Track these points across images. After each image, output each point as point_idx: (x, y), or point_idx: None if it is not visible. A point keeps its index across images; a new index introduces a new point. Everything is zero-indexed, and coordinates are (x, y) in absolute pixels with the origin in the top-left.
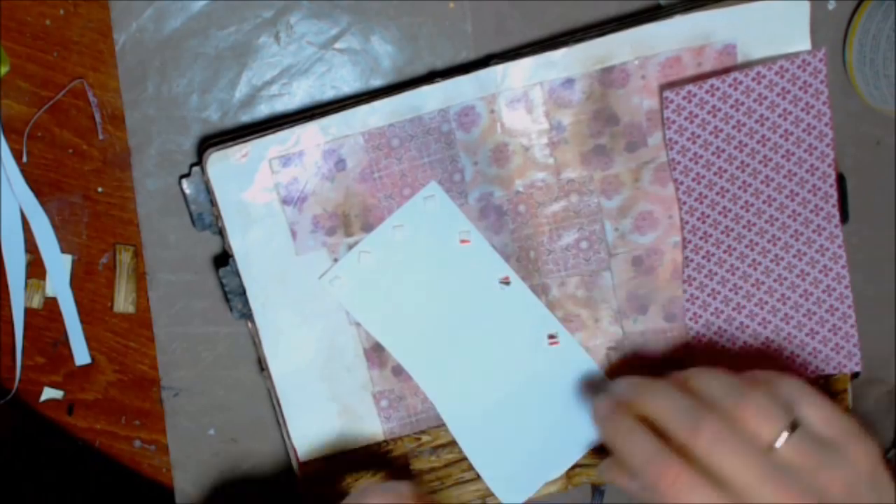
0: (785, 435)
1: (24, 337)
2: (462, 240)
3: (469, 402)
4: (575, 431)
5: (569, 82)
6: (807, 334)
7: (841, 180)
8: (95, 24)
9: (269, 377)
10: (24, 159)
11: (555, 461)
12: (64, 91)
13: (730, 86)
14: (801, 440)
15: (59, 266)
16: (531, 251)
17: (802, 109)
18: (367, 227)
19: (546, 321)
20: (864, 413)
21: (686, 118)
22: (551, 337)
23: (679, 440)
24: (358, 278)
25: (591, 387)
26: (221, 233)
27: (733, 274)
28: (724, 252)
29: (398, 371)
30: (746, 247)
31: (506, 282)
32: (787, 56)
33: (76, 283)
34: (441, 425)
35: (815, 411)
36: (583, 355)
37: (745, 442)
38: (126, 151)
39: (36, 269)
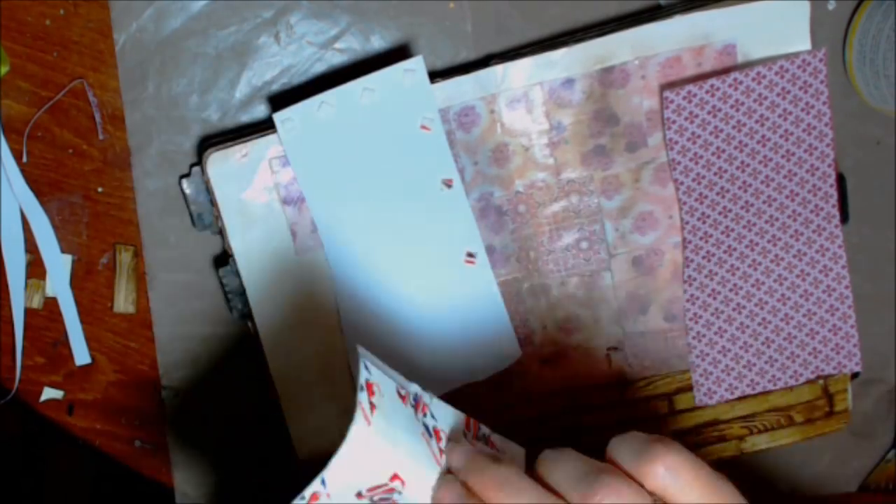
0: None
1: (25, 337)
2: (423, 125)
3: (369, 291)
4: (457, 361)
5: (569, 82)
6: (807, 334)
7: (841, 180)
8: (95, 24)
9: (269, 377)
10: (24, 159)
11: (432, 385)
12: (64, 91)
13: (730, 86)
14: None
15: (59, 266)
16: (531, 251)
17: (802, 109)
18: None
19: (471, 238)
20: (864, 413)
21: (686, 118)
22: (470, 255)
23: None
24: (310, 126)
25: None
26: (221, 233)
27: (733, 274)
28: (725, 252)
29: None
30: (746, 247)
31: (448, 184)
32: (787, 56)
33: (76, 283)
34: None
35: (691, 491)
36: (492, 285)
37: None
38: (126, 151)
39: (36, 269)
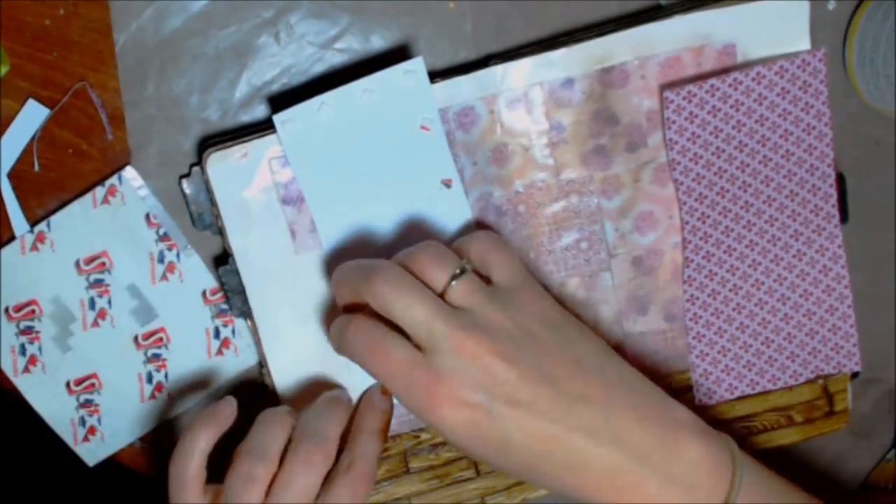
0: (455, 281)
1: None
2: (423, 125)
3: None
4: None
5: (568, 82)
6: (806, 334)
7: (840, 180)
8: (95, 24)
9: (269, 376)
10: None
11: None
12: (69, 94)
13: (730, 86)
14: (469, 283)
15: None
16: (531, 251)
17: (802, 109)
18: None
19: None
20: (864, 413)
21: (686, 118)
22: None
23: (360, 297)
24: (310, 127)
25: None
26: (221, 232)
27: (733, 274)
28: (724, 252)
29: None
30: (746, 247)
31: (448, 184)
32: (786, 56)
33: None
34: None
35: (502, 265)
36: None
37: (415, 286)
38: (126, 151)
39: None
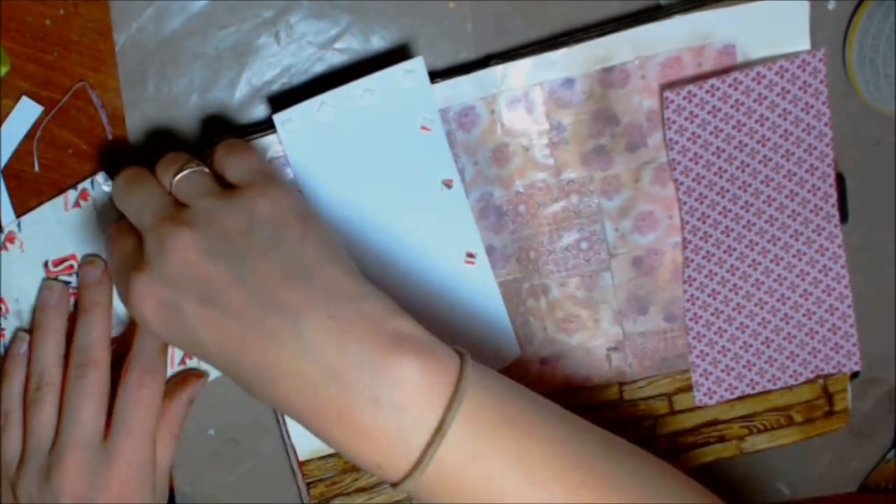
0: (178, 177)
1: None
2: (423, 126)
3: None
4: None
5: (569, 82)
6: (806, 334)
7: (840, 180)
8: (95, 24)
9: None
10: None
11: None
12: (69, 95)
13: (730, 86)
14: (193, 179)
15: None
16: (531, 251)
17: (802, 109)
18: None
19: (471, 239)
20: (864, 413)
21: (686, 118)
22: (470, 256)
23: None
24: (310, 127)
25: None
26: None
27: (733, 274)
28: (724, 252)
29: None
30: (746, 247)
31: (448, 184)
32: (786, 56)
33: None
34: None
35: (235, 163)
36: (492, 285)
37: (142, 183)
38: (126, 151)
39: None
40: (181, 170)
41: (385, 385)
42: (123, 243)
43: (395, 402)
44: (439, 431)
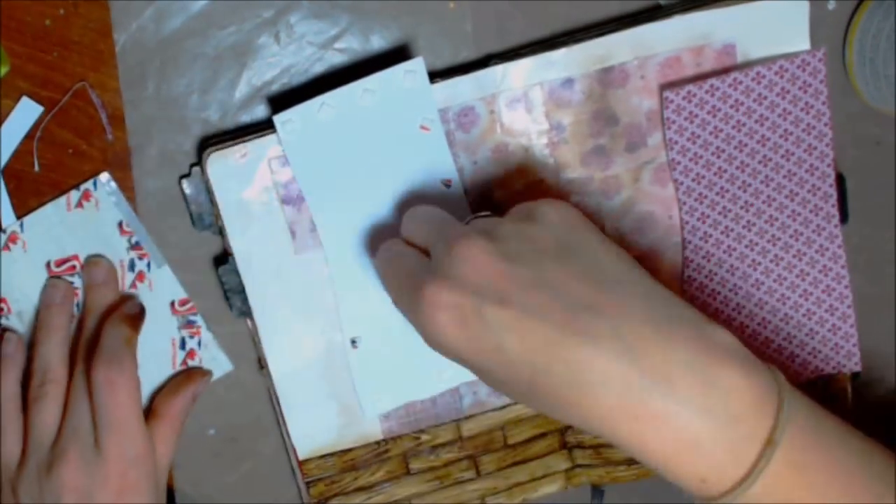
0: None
1: None
2: (423, 126)
3: (368, 290)
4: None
5: (568, 82)
6: (806, 334)
7: (840, 180)
8: (95, 24)
9: (269, 376)
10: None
11: (433, 385)
12: (68, 95)
13: (729, 86)
14: (489, 216)
15: None
16: None
17: (802, 109)
18: None
19: None
20: (864, 413)
21: (686, 118)
22: None
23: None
24: (310, 127)
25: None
26: (221, 232)
27: (733, 274)
28: (724, 252)
29: None
30: (746, 247)
31: (447, 184)
32: (786, 56)
33: None
34: (440, 424)
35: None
36: None
37: (434, 216)
38: (126, 151)
39: None
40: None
41: (719, 394)
42: (404, 260)
43: (729, 412)
44: (770, 443)
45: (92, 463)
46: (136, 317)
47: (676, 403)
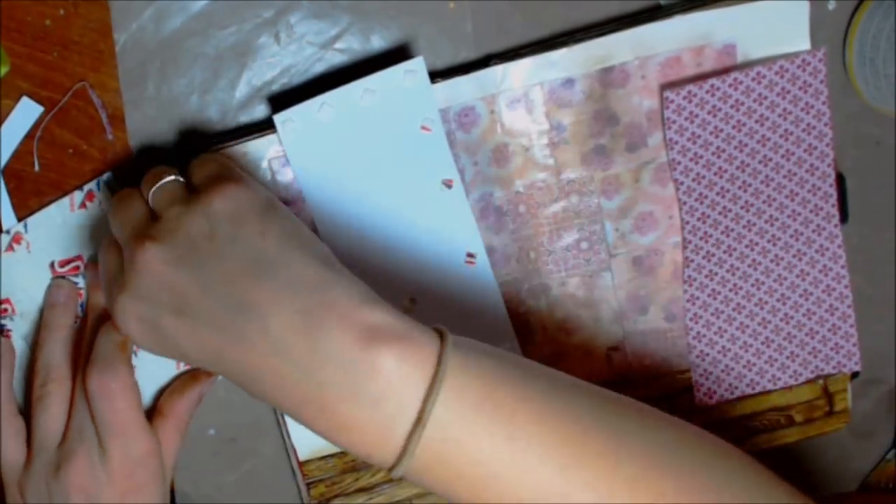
0: (154, 188)
1: None
2: (424, 126)
3: None
4: None
5: (569, 82)
6: (806, 334)
7: (841, 180)
8: (95, 24)
9: None
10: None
11: None
12: (68, 95)
13: (730, 86)
14: (166, 190)
15: None
16: (531, 251)
17: (802, 109)
18: None
19: (471, 239)
20: (864, 413)
21: (686, 118)
22: (470, 256)
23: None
24: (311, 127)
25: None
26: None
27: (733, 274)
28: (725, 252)
29: None
30: (746, 247)
31: (448, 184)
32: (786, 56)
33: None
34: None
35: (199, 170)
36: (492, 285)
37: (127, 203)
38: (126, 151)
39: None
40: (157, 181)
41: (361, 378)
42: (109, 261)
43: (372, 394)
44: (419, 422)
45: (98, 463)
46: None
47: (328, 391)
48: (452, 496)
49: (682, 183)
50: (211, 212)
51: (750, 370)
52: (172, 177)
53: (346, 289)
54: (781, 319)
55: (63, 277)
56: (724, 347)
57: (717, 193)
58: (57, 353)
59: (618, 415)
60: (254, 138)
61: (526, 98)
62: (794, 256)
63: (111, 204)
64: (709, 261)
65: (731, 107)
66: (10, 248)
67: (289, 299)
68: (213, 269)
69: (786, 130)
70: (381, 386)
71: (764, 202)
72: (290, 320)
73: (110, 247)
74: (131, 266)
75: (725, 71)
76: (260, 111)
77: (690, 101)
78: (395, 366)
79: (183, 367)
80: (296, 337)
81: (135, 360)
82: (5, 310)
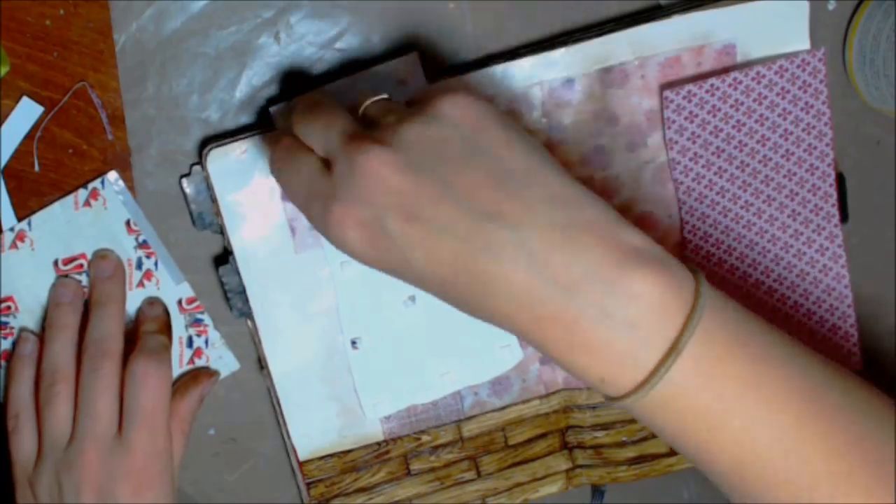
0: (369, 100)
1: None
2: None
3: (369, 289)
4: (460, 364)
5: (568, 82)
6: (806, 334)
7: (841, 180)
8: (95, 24)
9: (269, 376)
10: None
11: (434, 388)
12: (68, 95)
13: (729, 85)
14: (385, 102)
15: None
16: None
17: (802, 109)
18: None
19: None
20: None
21: (686, 118)
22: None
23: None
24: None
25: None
26: (222, 231)
27: (733, 274)
28: (724, 252)
29: None
30: (746, 247)
31: None
32: (786, 56)
33: None
34: (441, 425)
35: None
36: None
37: (324, 108)
38: (126, 151)
39: None
40: (366, 100)
41: (618, 299)
42: (304, 169)
43: (628, 317)
44: (673, 350)
45: (114, 455)
46: (169, 326)
47: (578, 309)
48: (679, 436)
49: (681, 183)
50: (445, 118)
51: None
52: (385, 95)
53: (603, 209)
54: (781, 320)
55: (67, 276)
56: None
57: (717, 193)
58: (63, 353)
59: (845, 379)
60: (254, 135)
61: (526, 98)
62: (793, 256)
63: (300, 110)
64: (708, 261)
65: (731, 106)
66: (13, 245)
67: (545, 213)
68: (453, 176)
69: (785, 130)
70: (639, 311)
71: (764, 202)
72: (549, 234)
73: (295, 152)
74: (349, 170)
75: (725, 71)
76: (260, 111)
77: (690, 101)
78: (654, 293)
79: (183, 368)
80: (554, 251)
81: None
82: (8, 307)
